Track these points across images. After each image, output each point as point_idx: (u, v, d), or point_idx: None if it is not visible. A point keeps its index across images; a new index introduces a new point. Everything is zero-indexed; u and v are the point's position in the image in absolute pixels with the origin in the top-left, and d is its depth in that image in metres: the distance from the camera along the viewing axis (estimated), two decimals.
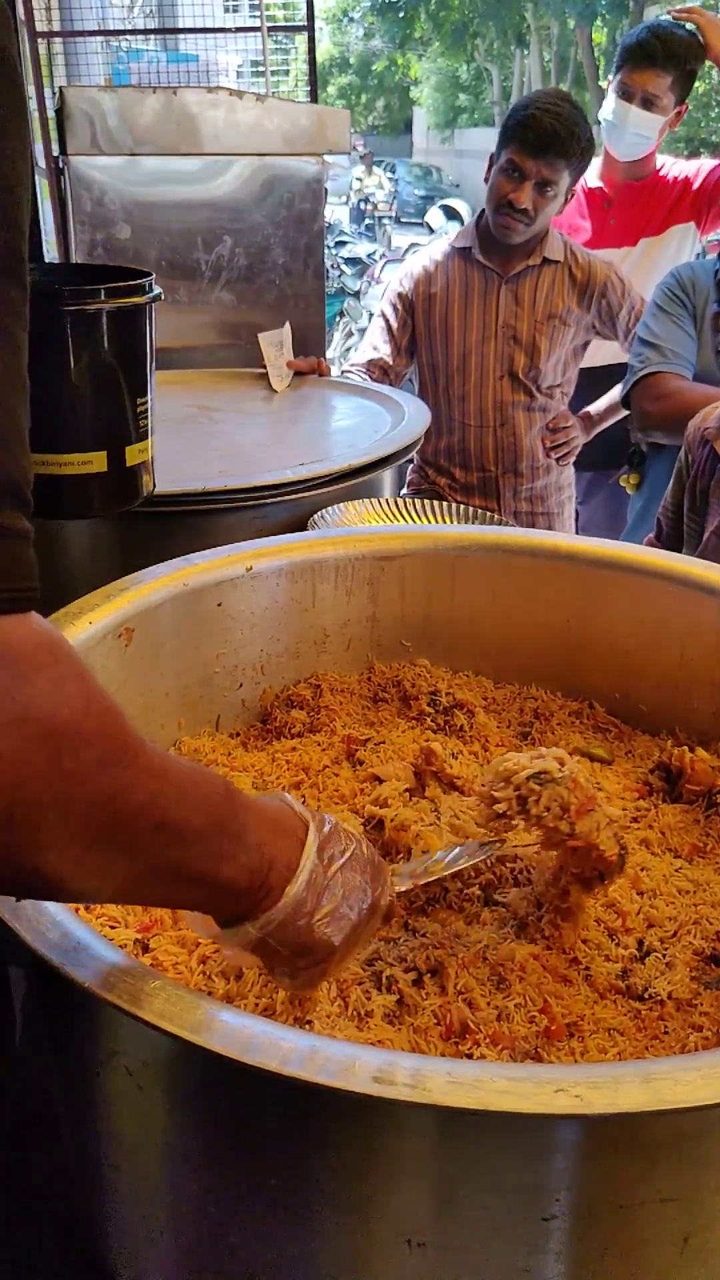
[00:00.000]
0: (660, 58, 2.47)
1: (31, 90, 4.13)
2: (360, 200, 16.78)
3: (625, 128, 2.55)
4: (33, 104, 4.09)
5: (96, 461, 1.30)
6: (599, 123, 2.57)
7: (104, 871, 0.59)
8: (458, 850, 1.01)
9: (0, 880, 0.59)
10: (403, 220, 17.97)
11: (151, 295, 1.31)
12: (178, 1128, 0.76)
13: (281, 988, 0.75)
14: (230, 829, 0.67)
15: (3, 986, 1.16)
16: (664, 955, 0.96)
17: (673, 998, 0.91)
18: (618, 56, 2.58)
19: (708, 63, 2.57)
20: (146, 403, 1.35)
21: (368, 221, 15.66)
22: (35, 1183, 1.03)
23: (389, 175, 20.62)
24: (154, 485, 1.42)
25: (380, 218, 15.60)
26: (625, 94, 2.53)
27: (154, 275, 1.35)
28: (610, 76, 2.64)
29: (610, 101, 2.58)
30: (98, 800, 0.56)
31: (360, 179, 18.06)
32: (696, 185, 2.68)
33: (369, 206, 16.20)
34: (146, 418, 1.35)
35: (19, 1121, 1.08)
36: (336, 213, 14.96)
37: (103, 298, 1.26)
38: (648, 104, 2.52)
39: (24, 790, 0.53)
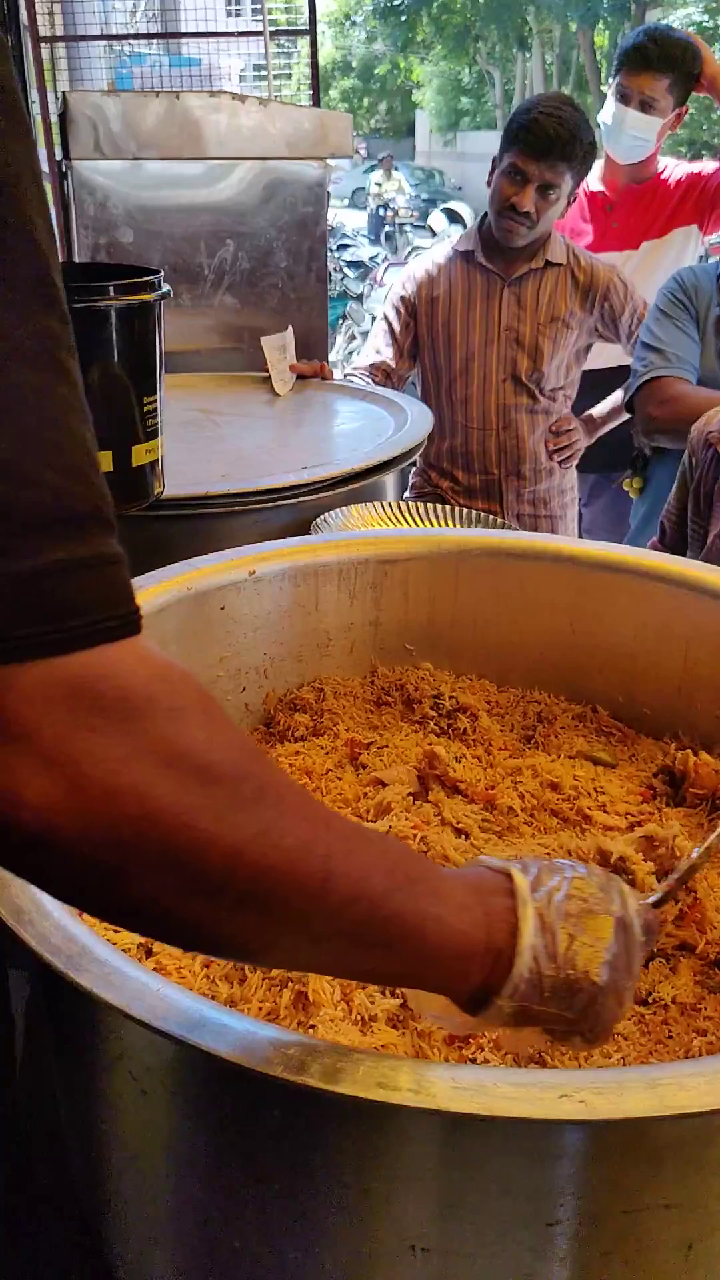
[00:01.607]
0: (656, 61, 2.48)
1: (34, 95, 4.14)
2: (380, 206, 15.86)
3: (623, 131, 2.55)
4: (35, 108, 4.10)
5: (102, 461, 1.30)
6: (600, 126, 2.57)
7: (263, 929, 0.56)
8: (698, 849, 0.93)
9: (167, 939, 0.57)
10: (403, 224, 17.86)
11: (160, 293, 1.32)
12: (181, 1132, 0.76)
13: (575, 1049, 0.69)
14: (424, 888, 0.62)
15: (2, 991, 1.16)
16: (668, 960, 0.96)
17: (677, 1002, 0.91)
18: (615, 60, 2.59)
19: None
20: (155, 402, 1.34)
21: (387, 229, 14.75)
22: (40, 1187, 1.03)
23: (416, 180, 19.79)
24: (163, 487, 1.42)
25: (401, 224, 14.69)
26: (623, 97, 2.53)
27: (162, 273, 1.35)
28: (609, 80, 2.64)
29: (609, 105, 2.58)
30: (237, 843, 0.52)
31: (379, 184, 17.24)
32: (699, 187, 2.68)
33: (389, 213, 15.22)
34: (155, 417, 1.35)
35: (23, 1126, 1.08)
36: (339, 216, 14.59)
37: (112, 294, 1.26)
38: (645, 107, 2.52)
39: (154, 828, 0.49)
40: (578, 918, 0.66)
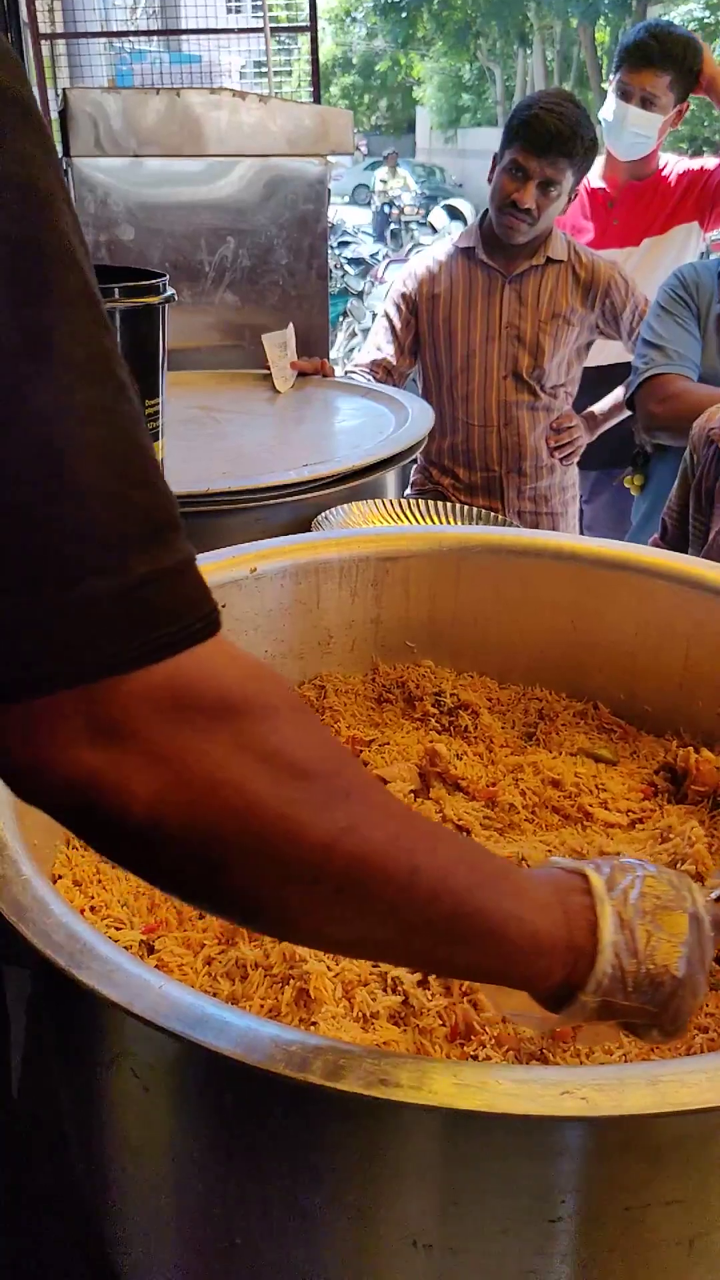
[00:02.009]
0: (657, 58, 2.47)
1: (35, 92, 4.13)
2: (385, 204, 15.33)
3: (624, 128, 2.55)
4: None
5: None
6: (600, 122, 2.57)
7: (358, 920, 0.58)
8: None
9: (261, 928, 0.60)
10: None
11: (164, 296, 1.32)
12: (183, 1129, 0.76)
13: (652, 1043, 0.71)
14: (505, 886, 0.64)
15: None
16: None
17: None
18: (616, 57, 2.58)
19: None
20: (157, 405, 1.35)
21: (393, 227, 14.18)
22: (41, 1184, 1.03)
23: (417, 177, 19.08)
24: None
25: (407, 222, 14.17)
26: (624, 94, 2.53)
27: (166, 276, 1.35)
28: (610, 77, 2.64)
29: (610, 102, 2.58)
30: (330, 835, 0.55)
31: (384, 181, 16.66)
32: (700, 184, 2.68)
33: (394, 210, 14.70)
34: (156, 420, 1.35)
35: (24, 1124, 1.08)
36: (340, 213, 14.34)
37: (116, 296, 1.26)
38: (646, 104, 2.51)
39: (254, 820, 0.52)
40: (653, 914, 0.68)
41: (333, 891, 0.56)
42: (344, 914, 0.57)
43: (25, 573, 0.46)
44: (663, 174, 2.71)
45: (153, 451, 0.51)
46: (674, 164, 2.74)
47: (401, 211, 14.53)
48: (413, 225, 14.00)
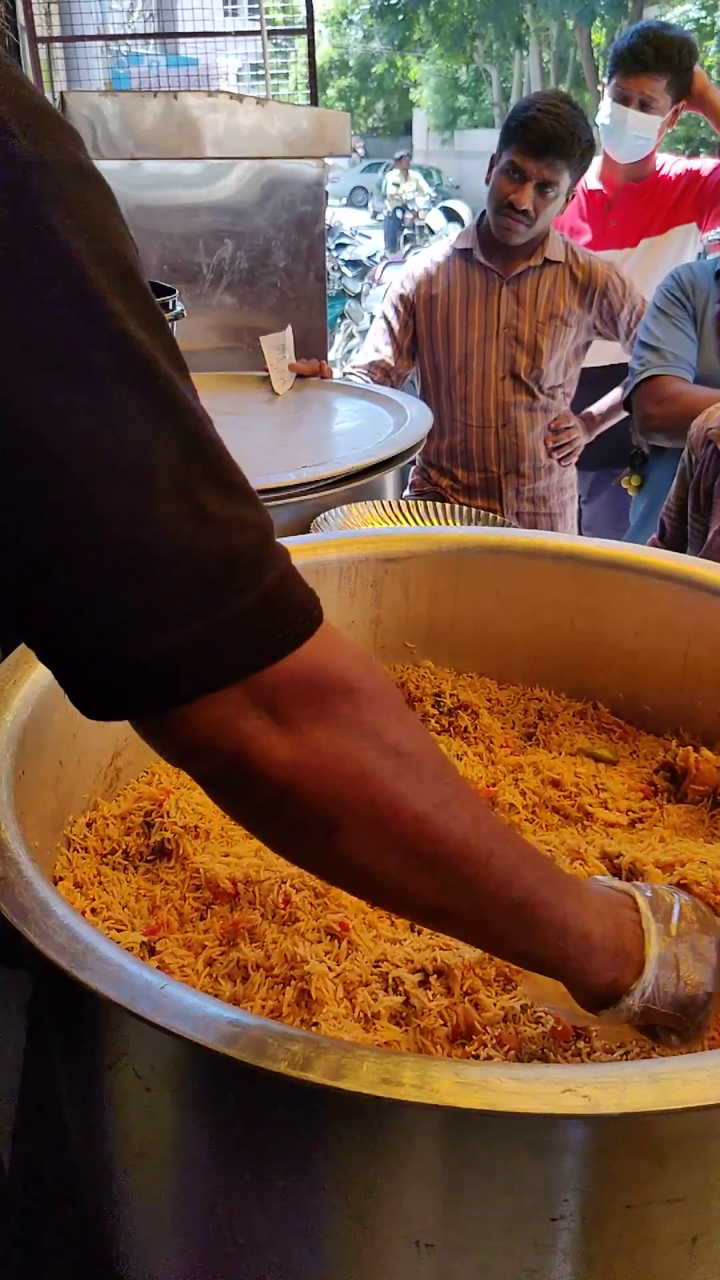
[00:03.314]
0: (653, 62, 2.48)
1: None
2: (397, 208, 14.73)
3: (624, 131, 2.55)
4: None
5: None
6: (597, 126, 2.57)
7: (445, 892, 0.64)
8: None
9: (358, 891, 0.68)
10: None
11: (174, 313, 1.32)
12: (185, 1130, 0.76)
13: (670, 1048, 0.77)
14: (566, 888, 0.70)
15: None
16: None
17: None
18: (610, 62, 2.58)
19: (707, 63, 2.58)
20: None
21: (406, 232, 13.75)
22: (44, 1186, 1.03)
23: (442, 180, 18.26)
24: None
25: (422, 227, 13.79)
26: (622, 98, 2.53)
27: (177, 291, 1.35)
28: (604, 80, 2.64)
29: (607, 106, 2.58)
30: (426, 810, 0.61)
31: (396, 185, 15.92)
32: (698, 186, 2.68)
33: (408, 215, 14.31)
34: None
35: (27, 1125, 1.08)
36: (337, 215, 13.92)
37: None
38: (645, 106, 2.52)
39: (366, 788, 0.60)
40: (690, 937, 0.76)
41: (424, 862, 0.62)
42: (430, 883, 0.63)
43: (188, 602, 0.53)
44: (660, 175, 2.72)
45: (238, 466, 0.58)
46: (670, 164, 2.74)
47: (416, 216, 14.17)
48: (428, 230, 13.59)
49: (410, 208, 14.53)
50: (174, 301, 1.31)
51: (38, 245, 0.48)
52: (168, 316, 1.30)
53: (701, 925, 0.77)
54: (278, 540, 0.59)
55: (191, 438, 0.54)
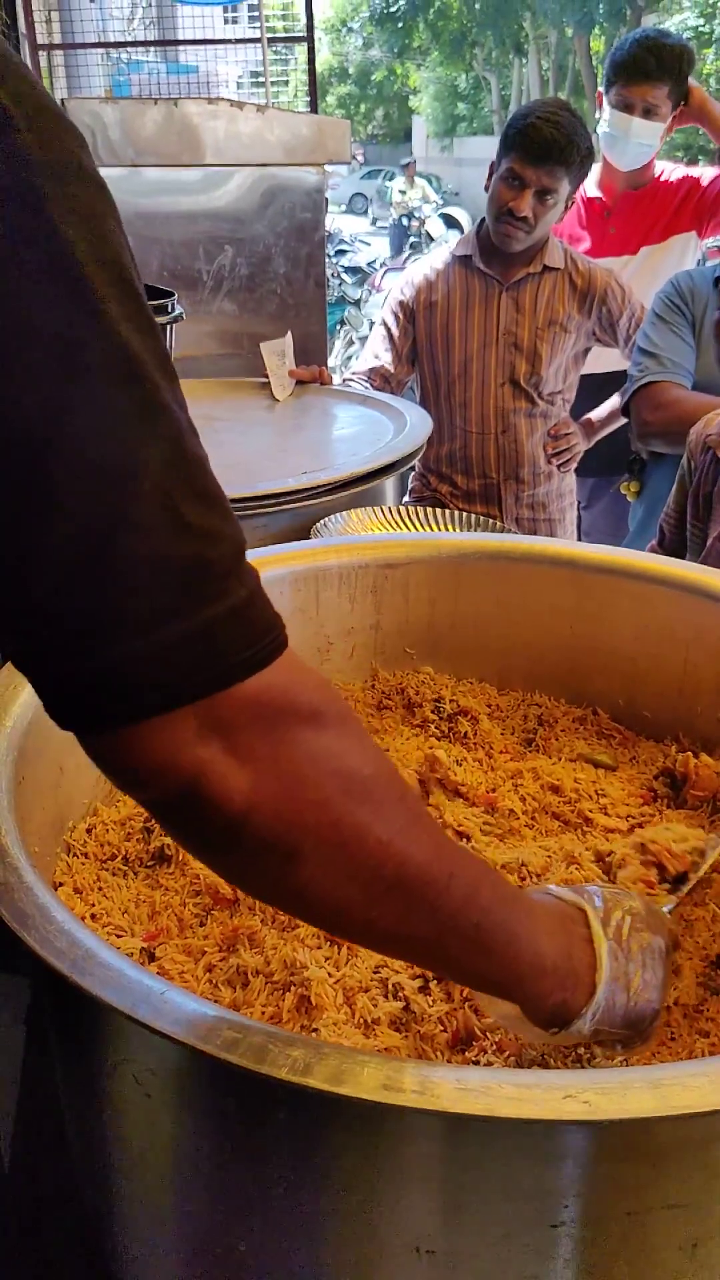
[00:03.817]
0: (655, 70, 2.49)
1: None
2: (403, 216, 14.42)
3: (628, 139, 2.56)
4: None
5: None
6: (596, 134, 2.58)
7: (404, 918, 0.63)
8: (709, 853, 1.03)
9: (314, 920, 0.66)
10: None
11: (173, 316, 1.32)
12: (185, 1135, 0.76)
13: (615, 1054, 0.78)
14: (520, 908, 0.70)
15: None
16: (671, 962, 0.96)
17: (679, 1004, 0.91)
18: (609, 71, 2.59)
19: (706, 71, 2.59)
20: None
21: (413, 239, 13.38)
22: (43, 1191, 1.03)
23: (441, 187, 17.74)
24: None
25: (429, 234, 13.34)
26: (625, 107, 2.54)
27: (175, 294, 1.36)
28: (602, 89, 2.64)
29: (608, 115, 2.58)
30: (387, 836, 0.61)
31: (403, 192, 15.57)
32: (698, 195, 2.69)
33: (414, 222, 13.97)
34: None
35: (26, 1131, 1.08)
36: (337, 221, 13.89)
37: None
38: (647, 114, 2.53)
39: (328, 814, 0.58)
40: (643, 951, 0.76)
41: (385, 889, 0.62)
42: (392, 910, 0.63)
43: (153, 611, 0.52)
44: (659, 182, 2.73)
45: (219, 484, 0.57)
46: (669, 171, 2.75)
47: (422, 223, 13.89)
48: (428, 238, 13.22)
49: (417, 215, 14.33)
50: (173, 304, 1.31)
51: (37, 241, 0.48)
52: (166, 319, 1.30)
53: (651, 928, 0.78)
54: (250, 564, 0.58)
55: (175, 446, 0.53)
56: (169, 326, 1.32)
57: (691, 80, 2.57)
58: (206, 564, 0.54)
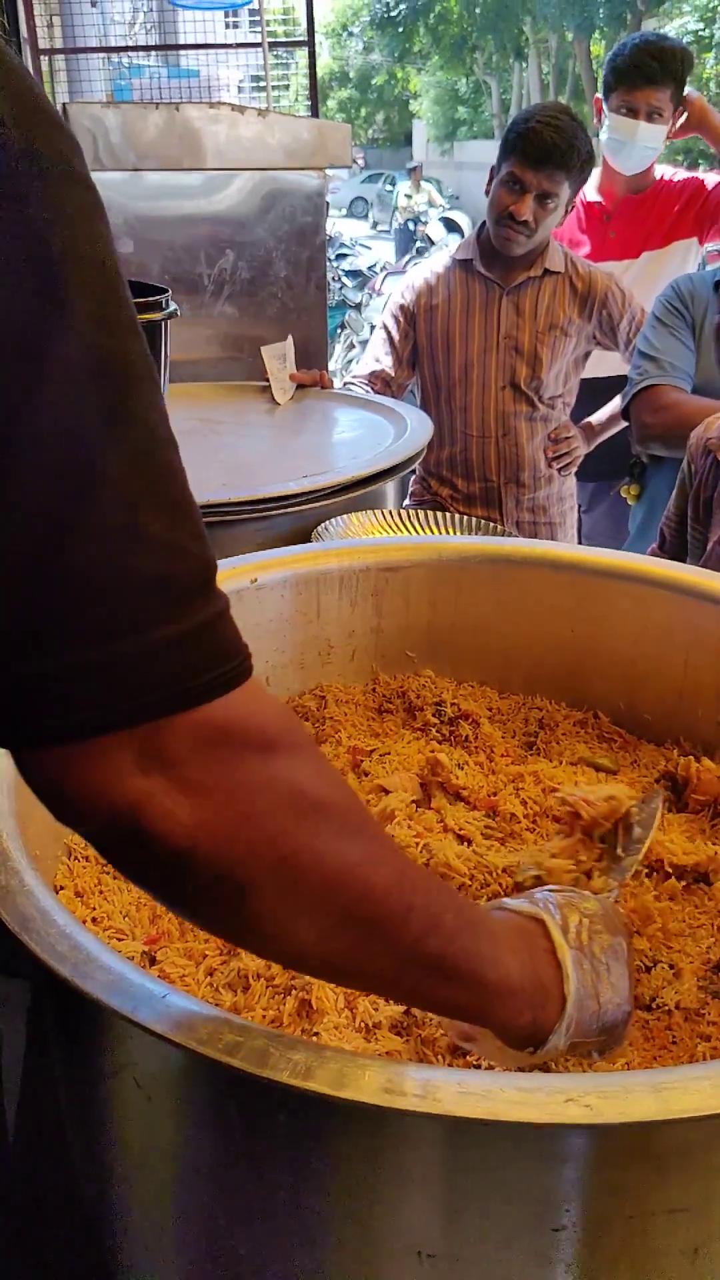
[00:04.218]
0: (659, 75, 2.50)
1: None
2: (409, 220, 14.18)
3: (635, 143, 2.56)
4: None
5: None
6: (596, 137, 2.58)
7: (361, 951, 0.62)
8: (636, 828, 1.02)
9: (268, 954, 0.64)
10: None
11: (167, 312, 1.33)
12: (187, 1139, 0.76)
13: (589, 1060, 0.78)
14: (483, 931, 0.68)
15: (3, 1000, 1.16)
16: (671, 965, 0.96)
17: (680, 1007, 0.91)
18: (610, 76, 2.59)
19: (705, 75, 2.59)
20: None
21: (419, 245, 13.04)
22: (44, 1195, 1.03)
23: (442, 191, 17.42)
24: None
25: (428, 237, 13.12)
26: (630, 111, 2.54)
27: (169, 292, 1.36)
28: (600, 95, 2.64)
29: (612, 120, 2.58)
30: (343, 868, 0.59)
31: (409, 196, 15.41)
32: (700, 201, 2.69)
33: (420, 227, 13.70)
34: None
35: (27, 1134, 1.08)
36: (337, 225, 13.68)
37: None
38: (651, 117, 2.54)
39: (279, 849, 0.56)
40: (605, 954, 0.75)
41: (339, 922, 0.60)
42: (348, 944, 0.61)
43: (103, 622, 0.50)
44: (659, 186, 2.73)
45: (196, 503, 0.54)
46: (669, 175, 2.75)
47: (427, 227, 13.65)
48: (429, 241, 12.99)
49: (423, 219, 14.14)
50: (167, 300, 1.32)
51: (15, 235, 0.47)
52: (160, 315, 1.30)
53: (609, 928, 0.77)
54: (220, 589, 0.55)
55: (143, 454, 0.51)
56: (164, 323, 1.31)
57: (690, 90, 2.57)
58: (166, 581, 0.51)
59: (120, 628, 0.50)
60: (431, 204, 15.54)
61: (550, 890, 0.80)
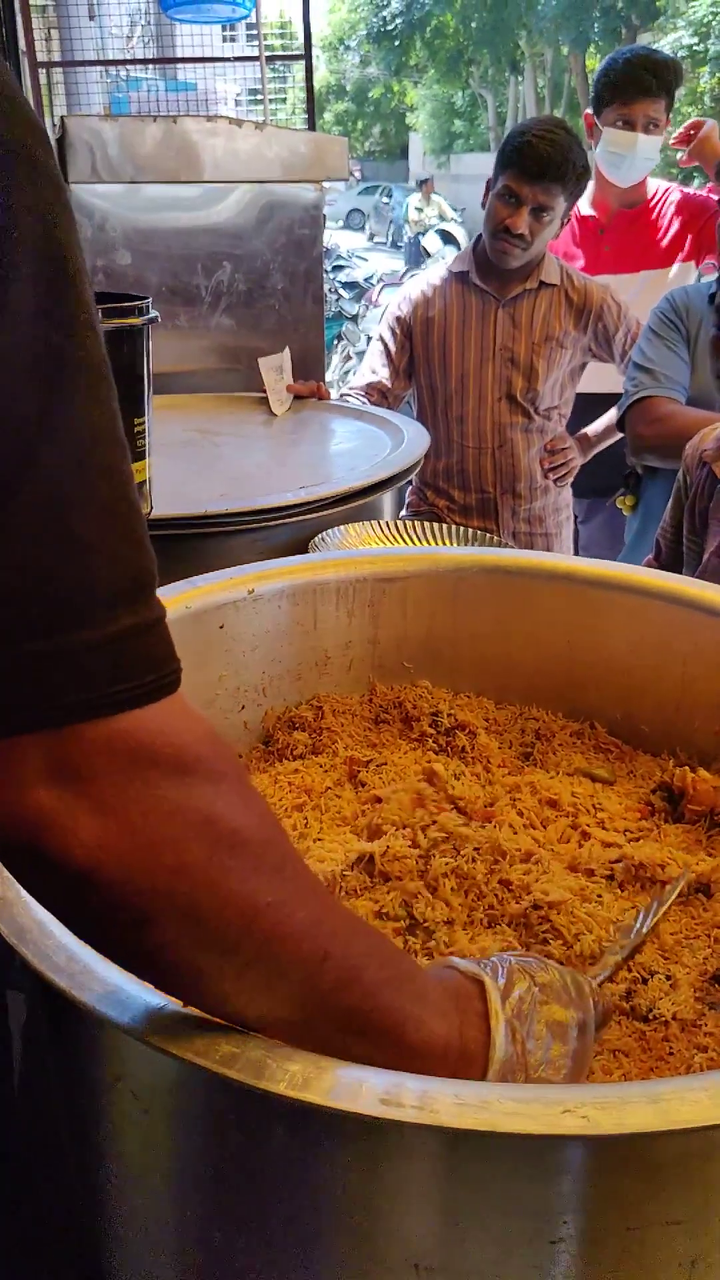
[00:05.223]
0: (655, 88, 2.52)
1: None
2: (419, 234, 14.07)
3: (634, 156, 2.58)
4: None
5: None
6: (591, 148, 2.60)
7: (268, 996, 0.59)
8: (639, 918, 0.99)
9: (167, 987, 0.60)
10: (399, 244, 16.97)
11: (148, 318, 1.34)
12: (183, 1151, 0.76)
13: None
14: (410, 988, 0.66)
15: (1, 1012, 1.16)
16: (668, 976, 0.96)
17: (677, 1018, 0.91)
18: (603, 90, 2.61)
19: (700, 89, 2.62)
20: (144, 423, 1.37)
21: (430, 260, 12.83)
22: (39, 1208, 1.03)
23: (455, 206, 17.08)
24: (151, 507, 1.43)
25: (424, 249, 13.15)
26: (627, 124, 2.56)
27: (150, 298, 1.38)
28: (593, 109, 2.66)
29: (608, 134, 2.60)
30: (253, 907, 0.56)
31: (419, 209, 15.30)
32: (700, 223, 2.71)
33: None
34: (144, 438, 1.37)
35: (22, 1147, 1.08)
36: (334, 237, 13.63)
37: (100, 319, 1.29)
38: (649, 128, 2.56)
39: (185, 881, 0.53)
40: (546, 1025, 0.71)
41: (244, 964, 0.58)
42: (251, 987, 0.59)
43: (14, 622, 0.47)
44: (652, 202, 2.75)
45: (140, 508, 0.53)
46: (664, 190, 2.77)
47: (425, 240, 13.54)
48: (426, 254, 12.97)
49: (435, 232, 13.98)
50: (148, 306, 1.33)
51: None
52: (140, 320, 1.31)
53: (564, 1002, 0.73)
54: (158, 600, 0.53)
55: (79, 452, 0.49)
56: (145, 329, 1.32)
57: (709, 122, 2.63)
58: (89, 586, 0.49)
59: (33, 629, 0.48)
60: (443, 217, 15.43)
61: (515, 955, 0.77)
